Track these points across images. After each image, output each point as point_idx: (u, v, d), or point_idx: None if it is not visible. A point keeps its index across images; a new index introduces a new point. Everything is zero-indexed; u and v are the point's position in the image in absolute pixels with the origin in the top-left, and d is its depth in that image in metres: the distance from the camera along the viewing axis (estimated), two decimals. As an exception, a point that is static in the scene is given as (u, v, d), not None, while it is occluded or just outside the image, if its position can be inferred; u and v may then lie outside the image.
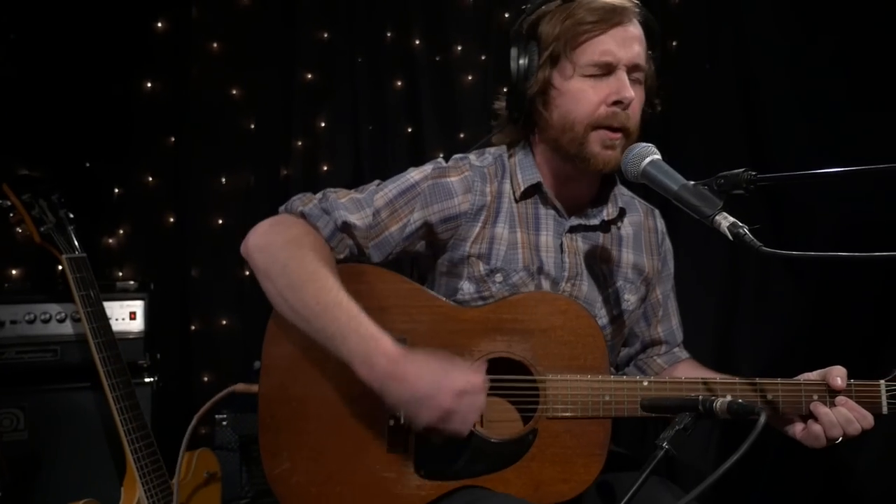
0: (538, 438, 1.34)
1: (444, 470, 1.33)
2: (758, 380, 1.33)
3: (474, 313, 1.40)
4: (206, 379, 2.77)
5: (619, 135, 1.37)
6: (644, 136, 1.40)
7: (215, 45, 2.79)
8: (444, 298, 1.43)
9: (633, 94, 1.36)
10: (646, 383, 1.34)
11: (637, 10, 1.39)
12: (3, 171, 2.01)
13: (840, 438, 1.30)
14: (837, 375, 1.31)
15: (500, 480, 1.33)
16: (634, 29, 1.38)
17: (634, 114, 1.39)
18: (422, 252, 1.48)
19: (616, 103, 1.35)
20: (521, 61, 1.41)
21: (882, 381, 1.33)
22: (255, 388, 1.42)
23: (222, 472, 2.12)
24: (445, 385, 1.21)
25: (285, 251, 1.33)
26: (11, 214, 1.92)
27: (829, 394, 1.32)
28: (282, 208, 1.44)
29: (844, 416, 1.29)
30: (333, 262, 1.37)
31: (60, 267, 2.44)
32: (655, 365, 1.61)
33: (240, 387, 1.80)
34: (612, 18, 1.35)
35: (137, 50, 2.67)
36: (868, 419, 1.29)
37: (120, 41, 2.62)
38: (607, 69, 1.36)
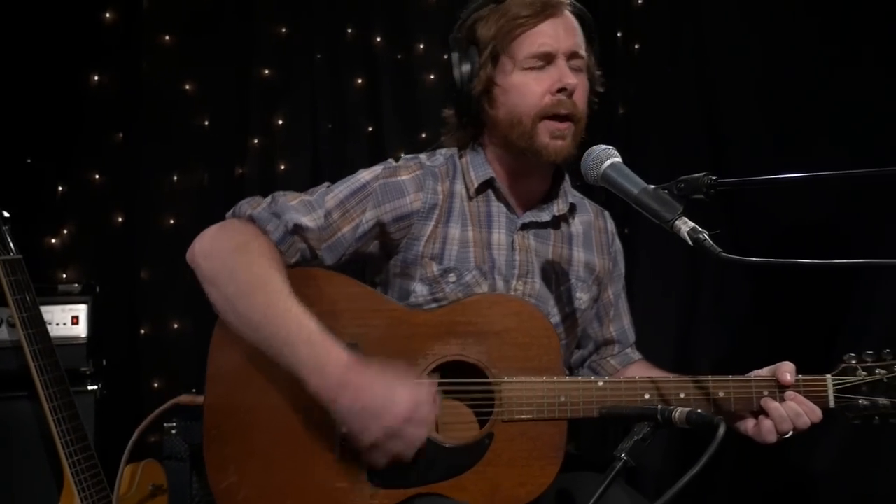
0: (494, 442, 1.33)
1: (398, 478, 1.30)
2: (710, 378, 1.35)
3: (427, 316, 1.38)
4: (156, 385, 2.69)
5: (566, 124, 1.39)
6: (606, 138, 1.38)
7: (167, 38, 2.72)
8: (396, 302, 1.42)
9: (575, 80, 1.39)
10: (601, 384, 1.34)
11: (569, 4, 1.43)
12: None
13: (790, 433, 1.32)
14: (786, 371, 1.33)
15: (457, 487, 1.31)
16: (569, 19, 1.42)
17: (580, 101, 1.42)
18: (375, 253, 1.47)
19: (560, 91, 1.38)
20: (464, 66, 1.43)
21: (828, 376, 1.36)
22: (200, 399, 1.36)
23: (171, 484, 2.05)
24: (398, 400, 1.19)
25: (233, 257, 1.29)
26: (-61, 214, 1.82)
27: (779, 389, 1.34)
28: (229, 213, 1.41)
29: (794, 411, 1.31)
30: (284, 268, 1.32)
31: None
32: (609, 366, 1.62)
33: (184, 398, 1.74)
34: (546, 10, 1.39)
35: (85, 42, 2.60)
36: (816, 413, 1.32)
37: (66, 32, 2.54)
38: (546, 59, 1.39)
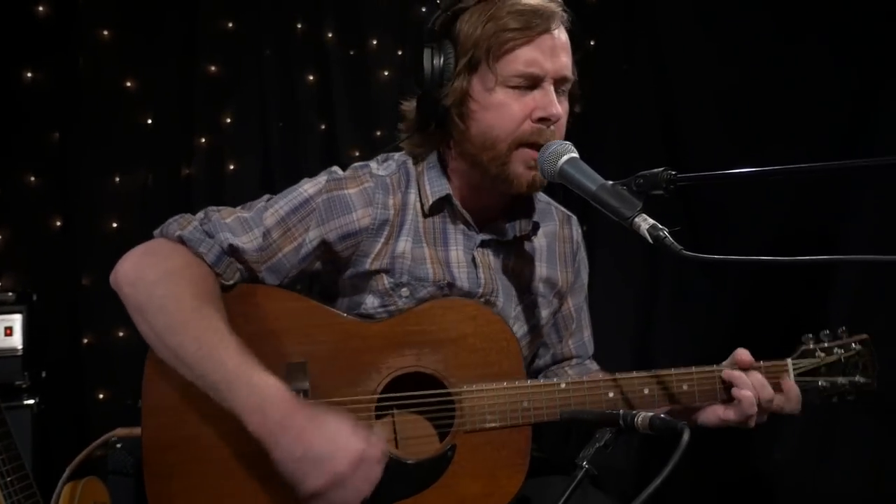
0: (457, 454, 1.27)
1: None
2: (673, 371, 1.32)
3: (379, 327, 1.31)
4: (101, 396, 2.61)
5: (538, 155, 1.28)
6: (563, 136, 1.32)
7: (106, 32, 2.65)
8: (345, 314, 1.33)
9: (560, 110, 1.28)
10: (563, 385, 1.29)
11: (563, 13, 1.30)
12: None
13: (756, 410, 1.29)
14: (742, 353, 1.32)
15: (421, 503, 1.26)
16: (561, 36, 1.29)
17: (560, 130, 1.30)
18: (320, 270, 1.37)
19: (542, 120, 1.26)
20: (436, 63, 1.29)
21: (789, 360, 1.36)
22: (137, 430, 1.27)
23: (116, 500, 1.95)
24: (343, 446, 1.10)
25: (161, 286, 1.19)
26: None
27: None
28: (156, 232, 1.28)
29: (758, 380, 1.29)
30: (219, 296, 1.23)
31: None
32: (567, 376, 1.56)
33: (120, 431, 1.67)
34: (539, 25, 1.25)
35: (17, 36, 2.52)
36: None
37: None
38: (533, 81, 1.26)
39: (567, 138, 1.29)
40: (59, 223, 2.59)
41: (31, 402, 2.04)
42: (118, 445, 2.19)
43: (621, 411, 1.06)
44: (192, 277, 1.20)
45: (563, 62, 1.28)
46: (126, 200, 2.65)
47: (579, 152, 1.23)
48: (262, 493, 1.22)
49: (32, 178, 2.57)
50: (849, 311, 2.23)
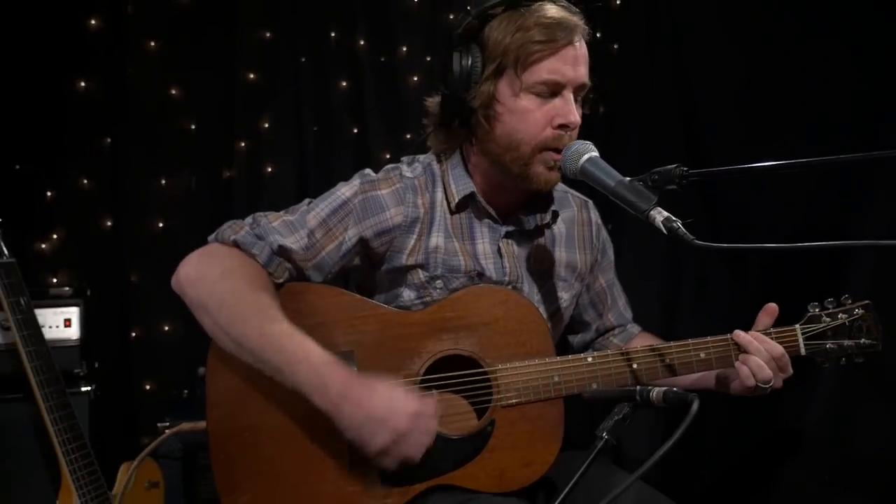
0: (496, 428, 1.37)
1: (409, 475, 1.33)
2: (690, 341, 1.43)
3: (418, 316, 1.41)
4: (147, 387, 2.71)
5: (561, 155, 1.37)
6: (588, 134, 1.42)
7: (153, 43, 2.73)
8: (386, 306, 1.43)
9: (579, 118, 1.37)
10: (590, 360, 1.39)
11: (584, 26, 1.39)
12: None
13: (765, 373, 1.36)
14: (770, 307, 1.44)
15: (465, 475, 1.36)
16: (581, 47, 1.38)
17: (575, 134, 1.40)
18: (360, 265, 1.48)
19: (561, 126, 1.36)
20: (464, 65, 1.38)
21: (797, 326, 1.46)
22: (201, 424, 1.38)
23: (165, 482, 2.08)
24: (400, 407, 1.22)
25: (222, 284, 1.30)
26: (-68, 219, 1.84)
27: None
28: (211, 237, 1.41)
29: (762, 339, 1.39)
30: (273, 290, 1.35)
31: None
32: (612, 346, 1.67)
33: (185, 426, 1.78)
34: (564, 38, 1.34)
35: (70, 48, 2.60)
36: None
37: (51, 39, 2.55)
38: (555, 89, 1.36)
39: (591, 137, 1.38)
40: (109, 223, 2.69)
41: (88, 388, 2.14)
42: (167, 431, 2.33)
43: (637, 387, 1.15)
44: (247, 274, 1.32)
45: (582, 72, 1.38)
46: (171, 201, 2.73)
47: (604, 150, 1.32)
48: (320, 473, 1.33)
49: (85, 181, 2.66)
50: (868, 294, 2.27)
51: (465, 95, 1.38)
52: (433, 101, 1.49)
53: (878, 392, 2.24)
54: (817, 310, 1.47)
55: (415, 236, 1.44)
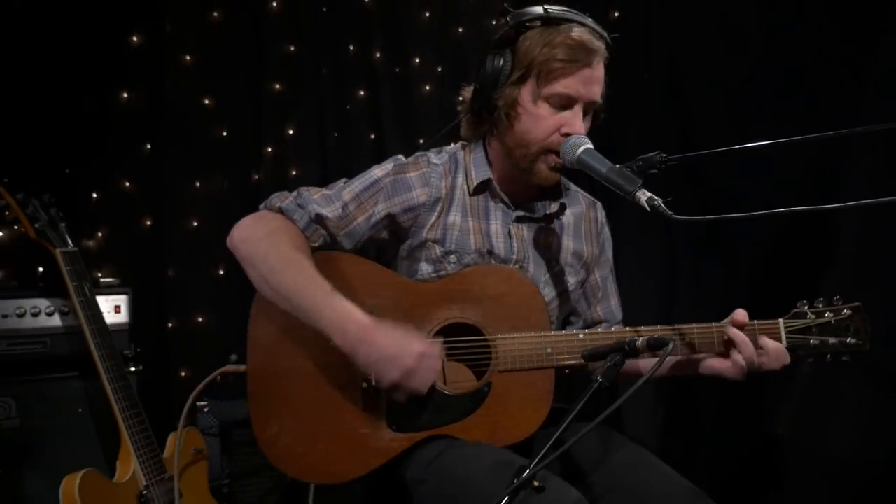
0: (493, 390, 1.50)
1: (413, 423, 1.48)
2: (677, 326, 1.55)
3: (431, 286, 1.58)
4: (183, 374, 2.87)
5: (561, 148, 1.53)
6: (592, 136, 1.58)
7: (188, 57, 2.91)
8: (402, 276, 1.61)
9: (583, 130, 1.53)
10: (581, 336, 1.53)
11: (604, 50, 1.54)
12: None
13: (745, 363, 1.47)
14: (740, 312, 1.52)
15: (462, 428, 1.50)
16: (598, 69, 1.53)
17: None
18: (387, 239, 1.66)
19: (566, 135, 1.52)
20: (495, 63, 1.53)
21: (780, 320, 1.55)
22: (242, 367, 1.56)
23: (206, 451, 2.25)
24: (408, 348, 1.36)
25: (266, 241, 1.49)
26: (6, 213, 2.05)
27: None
28: (261, 205, 1.60)
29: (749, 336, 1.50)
30: (308, 250, 1.53)
31: (41, 269, 2.59)
32: None
33: (229, 367, 1.97)
34: (583, 60, 1.49)
35: (114, 63, 2.77)
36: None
37: (97, 54, 2.72)
38: (568, 102, 1.52)
39: (591, 141, 1.54)
40: (149, 222, 2.85)
41: (136, 369, 2.33)
42: (206, 410, 2.52)
43: (627, 338, 1.31)
44: (289, 235, 1.51)
45: (595, 91, 1.54)
46: (205, 202, 2.90)
47: (603, 154, 1.49)
48: (337, 414, 1.48)
49: (127, 184, 2.82)
50: (851, 288, 2.41)
51: (493, 94, 1.55)
52: (467, 92, 1.65)
53: (859, 387, 2.35)
54: (805, 307, 1.54)
55: (436, 214, 1.60)
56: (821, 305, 1.55)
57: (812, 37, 2.59)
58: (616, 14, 3.25)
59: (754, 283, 2.75)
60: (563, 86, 1.50)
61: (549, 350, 1.51)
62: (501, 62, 1.53)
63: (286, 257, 1.46)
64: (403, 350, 1.37)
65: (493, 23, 3.14)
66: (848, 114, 2.47)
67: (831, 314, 1.54)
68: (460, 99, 1.69)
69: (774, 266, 2.68)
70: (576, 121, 1.52)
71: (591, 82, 1.52)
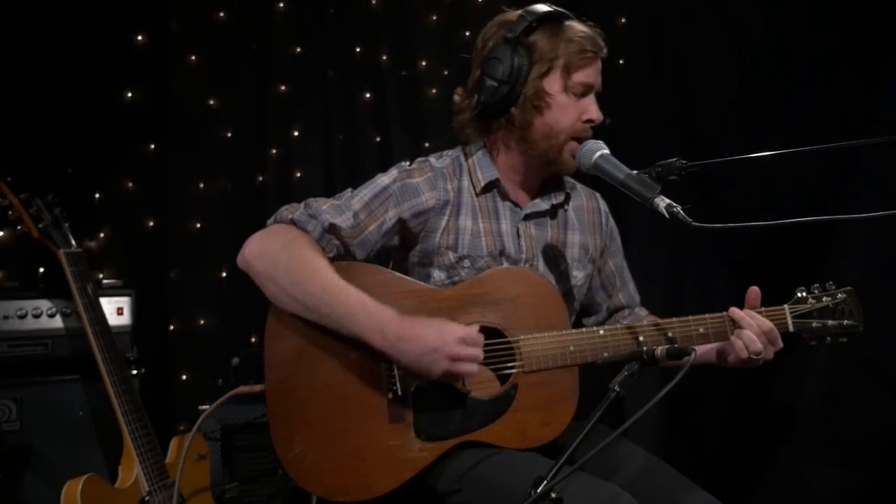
0: (518, 392, 1.50)
1: (441, 431, 1.47)
2: (691, 318, 1.58)
3: (450, 292, 1.57)
4: (184, 377, 2.85)
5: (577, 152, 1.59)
6: (597, 138, 1.60)
7: (193, 57, 2.90)
8: (422, 283, 1.59)
9: (601, 115, 1.61)
10: (602, 332, 1.54)
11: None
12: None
13: (757, 345, 1.50)
14: (752, 290, 1.58)
15: (492, 433, 1.48)
16: (600, 61, 1.64)
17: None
18: (397, 246, 1.65)
19: (588, 121, 1.60)
20: (515, 63, 1.56)
21: (785, 305, 1.61)
22: (258, 388, 1.54)
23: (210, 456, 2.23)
24: (449, 336, 1.38)
25: (284, 253, 1.48)
26: (10, 213, 2.02)
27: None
28: (270, 220, 1.59)
29: (755, 316, 1.54)
30: (327, 259, 1.51)
31: (42, 269, 2.57)
32: (621, 325, 1.78)
33: (243, 388, 1.92)
34: (599, 51, 1.61)
35: (118, 62, 2.76)
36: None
37: (102, 54, 2.70)
38: (587, 90, 1.60)
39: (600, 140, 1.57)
40: (151, 223, 2.83)
41: (138, 371, 2.30)
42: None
43: (644, 348, 1.29)
44: (306, 244, 1.50)
45: (600, 79, 1.63)
46: (208, 204, 2.89)
47: (613, 155, 1.51)
48: (364, 429, 1.46)
49: (130, 184, 2.81)
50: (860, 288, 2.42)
51: (515, 90, 1.57)
52: (464, 101, 1.67)
53: (864, 374, 2.38)
54: (804, 293, 1.62)
55: (446, 217, 1.61)
56: (817, 291, 1.62)
57: (822, 42, 2.60)
58: (623, 20, 3.26)
59: (759, 282, 2.74)
60: (585, 75, 1.59)
61: (571, 348, 1.53)
62: (519, 58, 1.57)
63: (309, 266, 1.45)
64: (444, 338, 1.38)
65: (467, 33, 3.15)
66: (859, 118, 2.49)
67: (828, 298, 1.61)
68: (456, 99, 1.70)
69: (780, 267, 2.63)
70: (595, 108, 1.61)
71: (598, 71, 1.62)
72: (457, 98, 1.70)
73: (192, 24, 2.90)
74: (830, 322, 1.60)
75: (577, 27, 1.60)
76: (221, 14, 2.95)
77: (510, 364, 1.53)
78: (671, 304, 3.03)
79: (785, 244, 2.57)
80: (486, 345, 1.51)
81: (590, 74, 1.60)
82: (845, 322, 1.61)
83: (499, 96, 1.59)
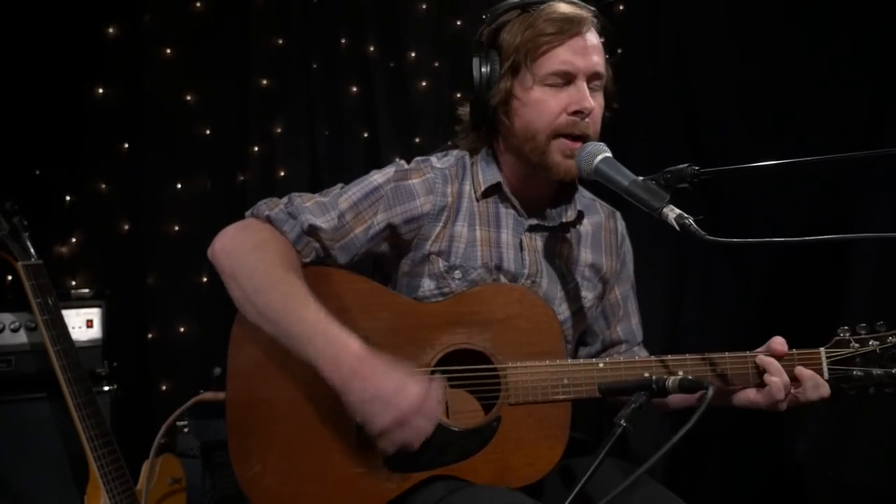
0: (502, 425, 1.37)
1: (412, 462, 1.34)
2: (707, 355, 1.39)
3: (434, 307, 1.43)
4: (164, 388, 2.76)
5: (579, 143, 1.40)
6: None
7: (168, 51, 2.79)
8: (403, 297, 1.46)
9: (592, 103, 1.41)
10: (601, 365, 1.38)
11: (594, 18, 1.44)
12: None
13: (784, 394, 1.34)
14: (778, 342, 1.38)
15: (468, 469, 1.36)
16: (593, 38, 1.43)
17: (595, 121, 1.44)
18: (385, 253, 1.51)
19: (576, 113, 1.40)
20: (483, 70, 1.44)
21: (822, 349, 1.40)
22: (221, 395, 1.42)
23: (186, 479, 2.11)
24: (407, 389, 1.22)
25: (252, 255, 1.35)
26: (-37, 223, 1.89)
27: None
28: (248, 213, 1.46)
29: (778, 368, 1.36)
30: (299, 266, 1.39)
31: (10, 277, 2.43)
32: None
33: (206, 395, 1.82)
34: (571, 29, 1.39)
35: (88, 56, 2.65)
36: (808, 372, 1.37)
37: (70, 47, 2.59)
38: (566, 78, 1.40)
39: (598, 139, 1.42)
40: (126, 227, 2.73)
41: (110, 388, 2.18)
42: (185, 430, 2.38)
43: (654, 376, 1.15)
44: (277, 249, 1.37)
45: (595, 60, 1.42)
46: (187, 205, 2.79)
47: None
48: (328, 452, 1.35)
49: (103, 186, 2.70)
50: (871, 298, 2.31)
51: (487, 97, 1.45)
52: (464, 110, 1.55)
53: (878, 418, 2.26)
54: (847, 334, 1.40)
55: (441, 224, 1.47)
56: (863, 332, 1.40)
57: (828, 30, 2.53)
58: (621, 7, 3.13)
59: (767, 289, 2.68)
60: (556, 61, 1.39)
61: (565, 381, 1.38)
62: (488, 64, 1.45)
63: (274, 276, 1.32)
64: (401, 391, 1.22)
65: (458, 23, 3.04)
66: (868, 117, 2.40)
67: (876, 342, 1.39)
68: (458, 116, 1.58)
69: (785, 276, 2.60)
70: (582, 96, 1.40)
71: (586, 52, 1.40)
72: (460, 113, 1.58)
73: (166, 15, 2.79)
74: (876, 370, 1.37)
75: (548, 10, 1.41)
76: (198, 4, 2.83)
77: (494, 394, 1.39)
78: (672, 306, 2.92)
79: (791, 254, 2.50)
80: (469, 370, 1.39)
81: (565, 59, 1.39)
82: (895, 371, 1.36)
83: (478, 108, 1.47)
